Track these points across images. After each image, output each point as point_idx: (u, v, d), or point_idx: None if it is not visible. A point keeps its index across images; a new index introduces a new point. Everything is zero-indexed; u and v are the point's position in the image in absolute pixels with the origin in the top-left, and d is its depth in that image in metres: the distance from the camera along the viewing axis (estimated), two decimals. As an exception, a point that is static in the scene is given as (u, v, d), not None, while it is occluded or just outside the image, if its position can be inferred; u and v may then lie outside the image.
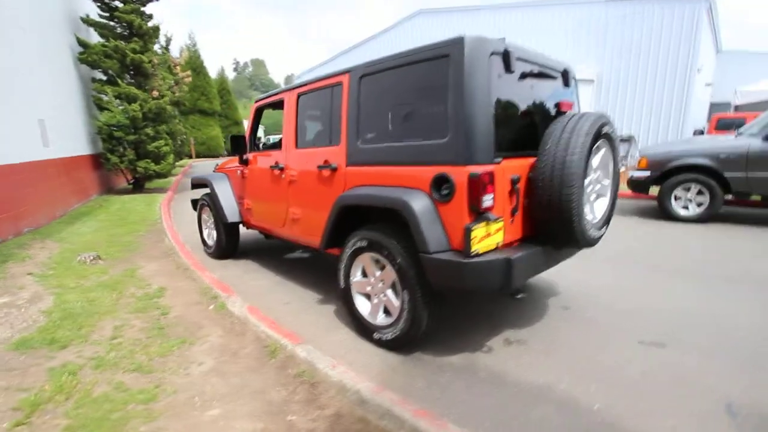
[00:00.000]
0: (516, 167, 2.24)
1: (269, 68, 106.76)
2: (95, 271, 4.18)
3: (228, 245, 4.57)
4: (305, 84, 3.15)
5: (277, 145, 4.22)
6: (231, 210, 4.30)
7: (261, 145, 4.10)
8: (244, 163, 3.97)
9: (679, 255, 4.31)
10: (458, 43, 2.06)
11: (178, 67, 14.46)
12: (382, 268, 2.53)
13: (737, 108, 11.28)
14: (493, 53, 2.12)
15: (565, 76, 2.72)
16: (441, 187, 2.16)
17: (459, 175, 2.06)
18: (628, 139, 11.58)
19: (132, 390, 2.10)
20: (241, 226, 4.43)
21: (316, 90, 3.03)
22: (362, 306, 2.70)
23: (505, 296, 3.29)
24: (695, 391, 2.09)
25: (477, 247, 2.03)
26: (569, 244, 2.33)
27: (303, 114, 3.23)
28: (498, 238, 2.15)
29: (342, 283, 2.76)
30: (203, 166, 20.41)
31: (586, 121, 2.17)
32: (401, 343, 2.44)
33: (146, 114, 9.11)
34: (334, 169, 2.79)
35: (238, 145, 3.84)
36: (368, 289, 2.65)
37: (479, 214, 2.07)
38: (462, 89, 2.03)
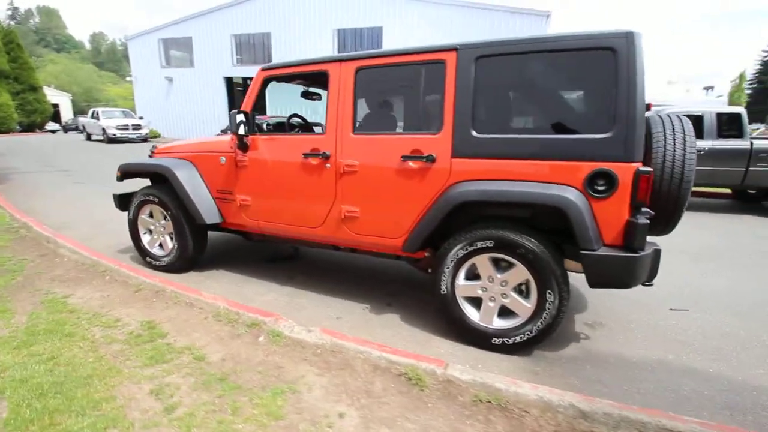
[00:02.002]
0: None
1: (67, 22, 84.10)
2: (-13, 310, 2.69)
3: (195, 253, 3.55)
4: (368, 56, 2.62)
5: (285, 128, 3.45)
6: (208, 207, 3.33)
7: (265, 127, 3.26)
8: (242, 147, 3.09)
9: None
10: (628, 37, 2.03)
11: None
12: (504, 268, 2.37)
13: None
14: (641, 50, 2.17)
15: None
16: (596, 183, 2.13)
17: (624, 171, 2.06)
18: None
19: (298, 477, 1.47)
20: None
21: (393, 65, 2.56)
22: (471, 312, 2.49)
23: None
24: (741, 341, 2.63)
25: (642, 241, 2.09)
26: (663, 232, 2.60)
27: (364, 93, 2.68)
28: None
29: (444, 289, 2.48)
30: None
31: (689, 124, 2.44)
32: (532, 344, 2.36)
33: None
34: (432, 161, 2.44)
35: (245, 123, 2.96)
36: (479, 292, 2.45)
37: (636, 209, 2.13)
38: (634, 85, 2.02)
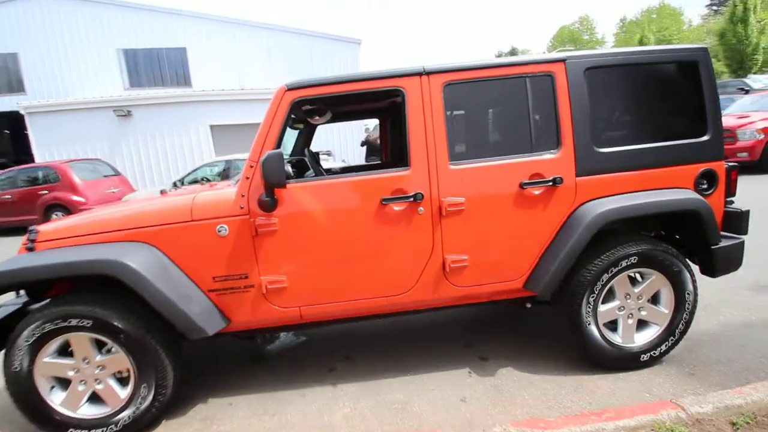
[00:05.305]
0: None
1: None
2: None
3: (177, 384, 2.18)
4: (457, 69, 2.11)
5: (309, 168, 2.44)
6: (203, 310, 2.09)
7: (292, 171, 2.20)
8: (267, 205, 2.04)
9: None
10: (705, 51, 2.27)
11: None
12: (637, 282, 2.32)
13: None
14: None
15: None
16: (701, 182, 2.30)
17: (720, 168, 2.31)
18: (328, 153, 13.89)
19: None
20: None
21: (488, 79, 2.14)
22: (611, 336, 2.32)
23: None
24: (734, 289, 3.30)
25: (737, 227, 2.38)
26: None
27: (455, 113, 2.15)
28: None
29: (589, 321, 2.23)
30: None
31: None
32: (673, 349, 2.36)
33: None
34: (558, 183, 2.16)
35: (279, 172, 1.94)
36: (619, 312, 2.32)
37: (727, 199, 2.41)
38: (716, 92, 2.27)
